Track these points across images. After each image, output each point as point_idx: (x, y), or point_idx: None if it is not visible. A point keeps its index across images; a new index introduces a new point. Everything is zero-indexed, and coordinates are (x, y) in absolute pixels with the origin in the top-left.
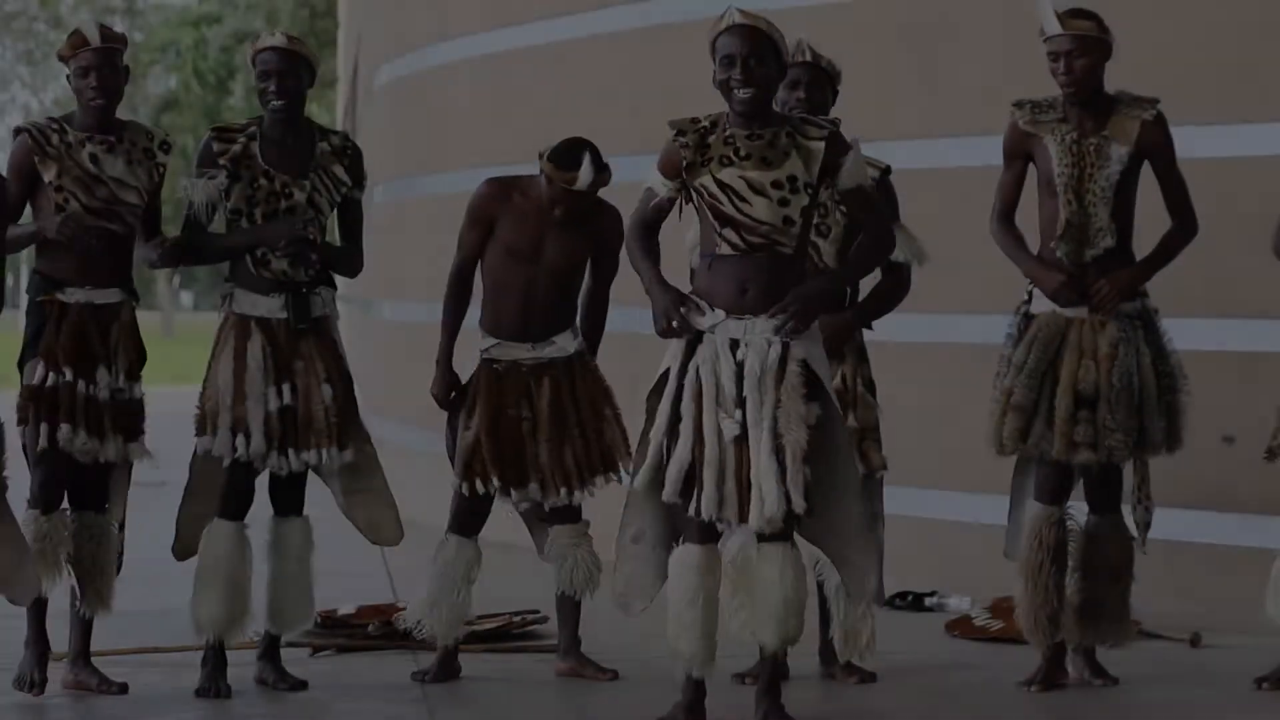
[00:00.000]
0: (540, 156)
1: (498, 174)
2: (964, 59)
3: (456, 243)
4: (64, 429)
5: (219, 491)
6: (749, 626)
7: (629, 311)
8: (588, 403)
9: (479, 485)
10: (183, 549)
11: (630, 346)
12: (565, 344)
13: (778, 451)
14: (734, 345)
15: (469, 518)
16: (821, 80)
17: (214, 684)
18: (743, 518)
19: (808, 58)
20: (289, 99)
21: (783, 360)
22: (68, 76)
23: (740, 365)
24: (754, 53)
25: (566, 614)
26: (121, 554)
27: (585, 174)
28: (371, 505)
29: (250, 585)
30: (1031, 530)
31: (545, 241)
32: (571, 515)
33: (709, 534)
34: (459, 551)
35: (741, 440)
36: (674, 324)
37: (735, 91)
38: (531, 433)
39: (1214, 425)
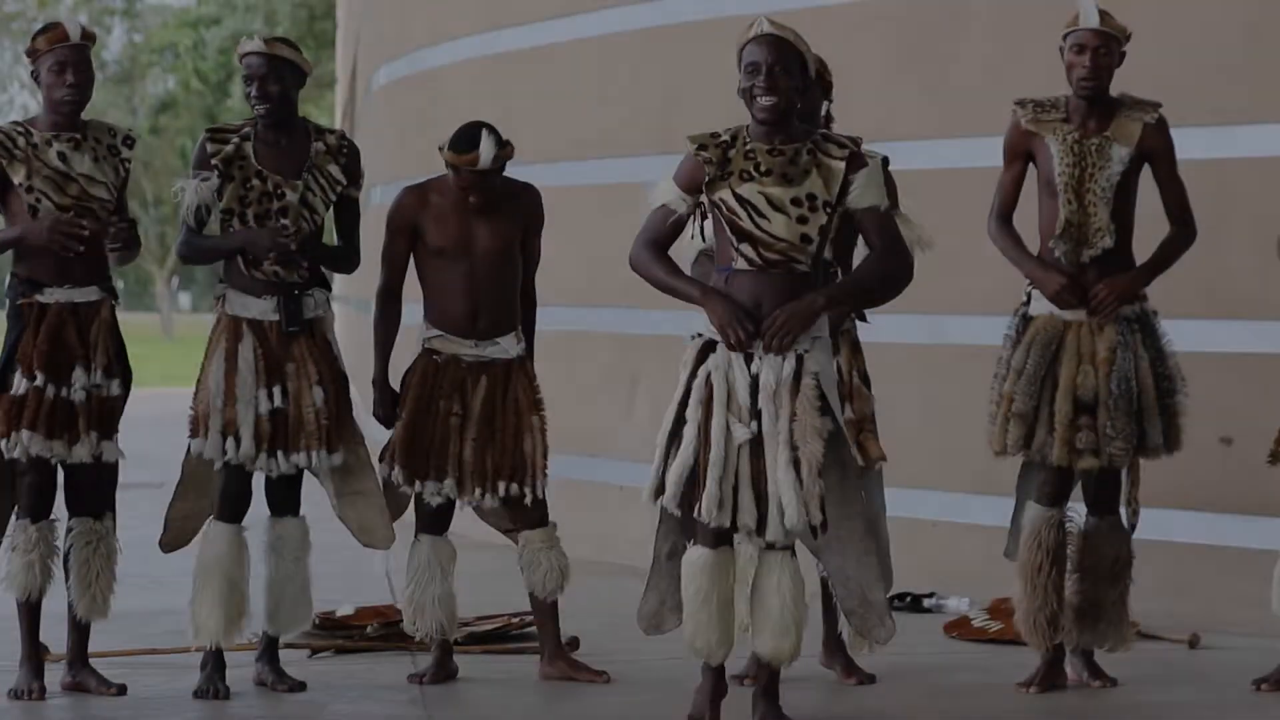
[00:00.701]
0: (441, 150)
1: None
2: (964, 59)
3: (381, 260)
4: (23, 434)
5: (209, 491)
6: (744, 628)
7: (629, 312)
8: (514, 410)
9: (393, 476)
10: (170, 543)
11: (630, 348)
12: (508, 347)
13: (794, 464)
14: (748, 358)
15: (434, 516)
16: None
17: (212, 685)
18: (760, 529)
19: None
20: (271, 102)
21: (797, 374)
22: (33, 73)
23: (755, 379)
24: (779, 62)
25: (546, 618)
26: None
27: (486, 151)
28: (363, 508)
29: (248, 586)
30: (1030, 531)
31: (473, 234)
32: (540, 519)
33: (721, 536)
34: (433, 549)
35: (755, 450)
36: (742, 337)
37: (757, 99)
38: (459, 429)
39: (1213, 426)
